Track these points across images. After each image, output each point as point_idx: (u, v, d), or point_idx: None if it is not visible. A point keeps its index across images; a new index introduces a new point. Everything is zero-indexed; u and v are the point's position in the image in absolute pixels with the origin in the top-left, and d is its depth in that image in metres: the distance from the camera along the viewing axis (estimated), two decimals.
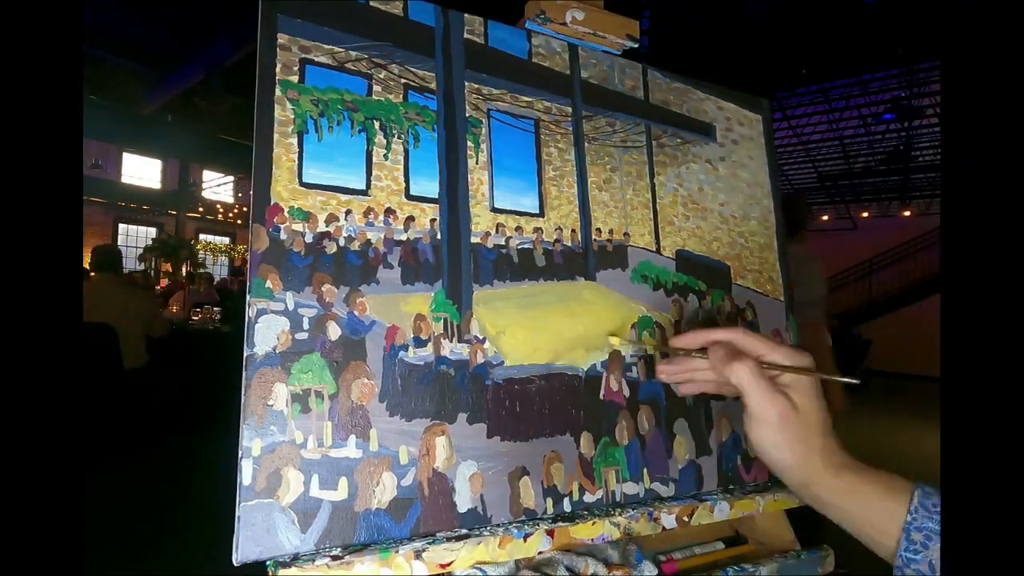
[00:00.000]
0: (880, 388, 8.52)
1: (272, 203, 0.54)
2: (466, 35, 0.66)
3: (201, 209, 15.12)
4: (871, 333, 9.82)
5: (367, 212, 0.59)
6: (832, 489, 0.46)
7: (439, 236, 0.61)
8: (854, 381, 0.48)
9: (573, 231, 0.70)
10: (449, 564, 0.53)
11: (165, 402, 3.82)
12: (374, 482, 0.53)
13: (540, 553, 0.59)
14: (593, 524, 0.61)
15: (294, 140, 0.56)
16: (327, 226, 0.56)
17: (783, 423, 0.47)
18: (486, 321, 0.62)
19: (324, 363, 0.53)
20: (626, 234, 0.74)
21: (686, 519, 0.66)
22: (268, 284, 0.52)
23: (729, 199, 0.84)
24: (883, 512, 0.43)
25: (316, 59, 0.58)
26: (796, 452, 0.47)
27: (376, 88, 0.61)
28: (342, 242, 0.57)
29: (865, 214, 12.24)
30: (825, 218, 12.37)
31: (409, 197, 0.61)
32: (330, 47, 0.59)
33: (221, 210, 15.47)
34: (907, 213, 11.66)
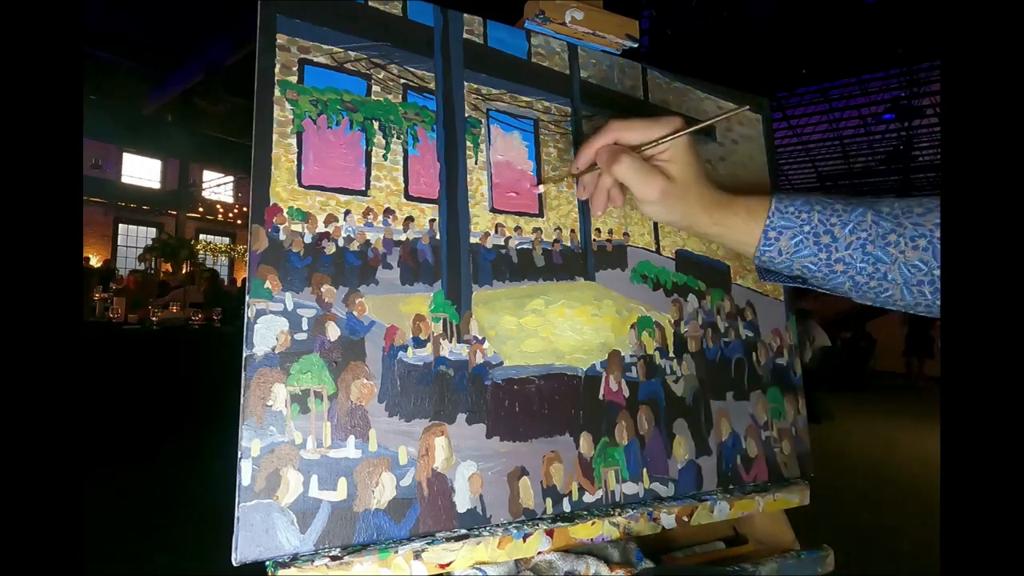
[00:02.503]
0: (880, 388, 8.52)
1: (271, 203, 0.54)
2: (465, 35, 0.66)
3: (201, 209, 15.14)
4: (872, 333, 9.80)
5: (366, 212, 0.59)
6: (709, 226, 0.56)
7: (438, 236, 0.61)
8: (745, 108, 0.57)
9: (572, 231, 0.70)
10: (448, 564, 0.53)
11: (165, 402, 3.82)
12: (373, 482, 0.53)
13: (539, 553, 0.59)
14: (592, 524, 0.61)
15: (293, 140, 0.56)
16: (326, 226, 0.56)
17: (664, 197, 0.55)
18: (485, 321, 0.62)
19: (323, 363, 0.53)
20: (626, 234, 0.74)
21: (686, 519, 0.66)
22: (267, 284, 0.52)
23: None
24: (749, 230, 0.54)
25: (315, 59, 0.58)
26: (679, 212, 0.56)
27: (375, 88, 0.61)
28: (341, 242, 0.57)
29: None
30: None
31: (408, 197, 0.61)
32: (329, 47, 0.59)
33: (221, 210, 15.48)
34: None
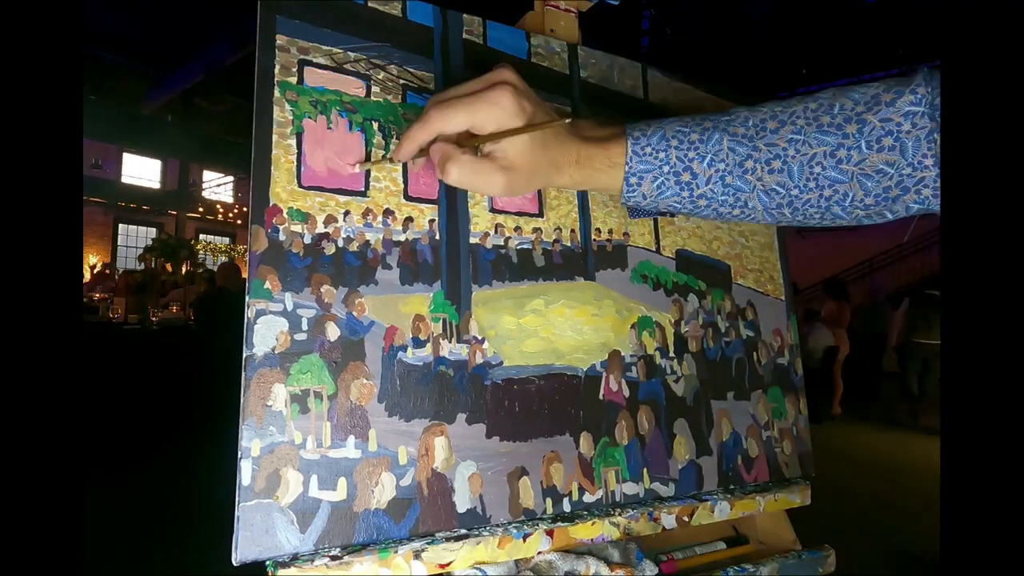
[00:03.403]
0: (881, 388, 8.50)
1: (271, 204, 0.54)
2: (465, 35, 0.66)
3: (201, 209, 15.14)
4: None
5: (366, 213, 0.59)
6: (570, 184, 0.55)
7: (438, 237, 0.61)
8: (565, 121, 0.51)
9: (572, 231, 0.70)
10: (448, 564, 0.53)
11: (164, 402, 3.82)
12: (373, 482, 0.53)
13: (539, 553, 0.59)
14: (593, 524, 0.61)
15: (293, 141, 0.56)
16: (326, 227, 0.56)
17: (510, 188, 0.52)
18: (485, 321, 0.62)
19: (323, 364, 0.53)
20: (626, 234, 0.74)
21: (686, 519, 0.66)
22: (267, 285, 0.52)
23: None
24: (611, 178, 0.53)
25: (315, 60, 0.58)
26: (533, 186, 0.55)
27: (375, 89, 0.61)
28: (341, 243, 0.57)
29: None
30: None
31: (407, 198, 0.61)
32: (329, 48, 0.59)
33: (221, 210, 15.48)
34: None
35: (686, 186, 0.52)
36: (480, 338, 0.61)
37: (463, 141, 0.51)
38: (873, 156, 0.48)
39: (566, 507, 0.61)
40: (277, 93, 0.56)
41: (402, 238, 0.60)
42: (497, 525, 0.57)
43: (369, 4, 0.61)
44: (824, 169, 0.49)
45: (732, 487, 0.73)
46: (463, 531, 0.56)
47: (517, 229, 0.66)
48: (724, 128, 0.51)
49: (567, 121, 0.50)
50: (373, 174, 0.60)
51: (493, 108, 0.49)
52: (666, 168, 0.51)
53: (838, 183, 0.49)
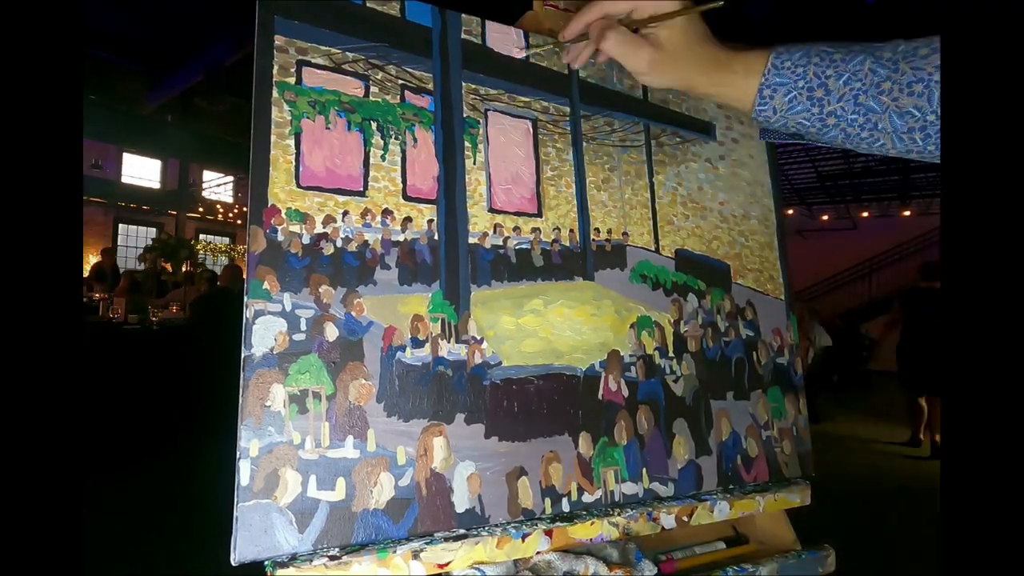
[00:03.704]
0: (881, 388, 8.50)
1: (269, 204, 0.54)
2: (463, 35, 0.66)
3: (201, 209, 15.13)
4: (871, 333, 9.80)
5: (364, 213, 0.59)
6: (707, 87, 0.56)
7: (436, 237, 0.61)
8: (718, 3, 0.55)
9: (571, 231, 0.70)
10: (447, 564, 0.53)
11: (164, 402, 3.82)
12: (372, 482, 0.53)
13: (538, 553, 0.59)
14: (592, 524, 0.61)
15: (291, 142, 0.56)
16: (324, 227, 0.56)
17: (654, 67, 0.56)
18: (484, 321, 0.62)
19: (321, 364, 0.53)
20: (625, 234, 0.74)
21: (685, 519, 0.66)
22: (265, 285, 0.52)
23: (729, 198, 0.84)
24: (746, 87, 0.54)
25: (313, 60, 0.58)
26: (674, 78, 0.57)
27: (373, 89, 0.61)
28: (339, 243, 0.57)
29: (865, 214, 12.21)
30: (825, 218, 12.35)
31: (406, 198, 0.61)
32: (327, 48, 0.59)
33: (221, 210, 15.48)
34: (907, 213, 11.64)
35: (818, 102, 0.52)
36: (479, 338, 0.61)
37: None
38: None
39: (565, 507, 0.61)
40: (275, 93, 0.56)
41: (401, 238, 0.60)
42: (496, 525, 0.57)
43: (367, 4, 0.61)
44: None
45: (732, 487, 0.73)
46: (462, 531, 0.56)
47: (516, 229, 0.66)
48: (872, 51, 0.51)
49: (720, 3, 0.53)
50: (372, 174, 0.60)
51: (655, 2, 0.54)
52: (801, 83, 0.52)
53: None
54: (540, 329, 0.65)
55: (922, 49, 0.49)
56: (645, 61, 0.55)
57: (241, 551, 0.47)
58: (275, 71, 0.56)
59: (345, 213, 0.58)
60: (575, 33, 0.60)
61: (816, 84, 0.51)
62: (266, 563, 0.49)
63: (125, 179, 14.16)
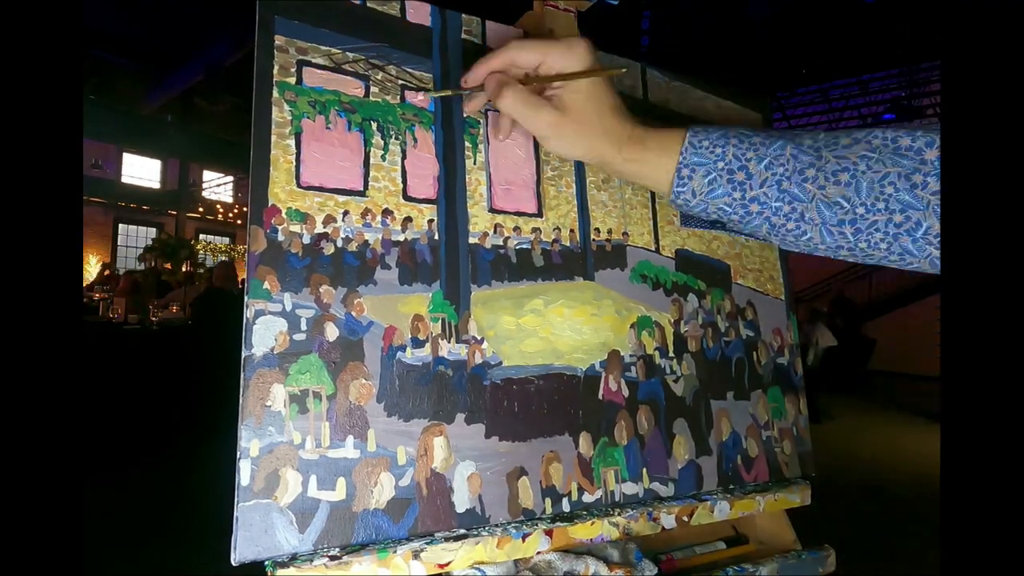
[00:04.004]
0: (882, 388, 8.51)
1: (269, 204, 0.54)
2: (464, 35, 0.66)
3: (201, 209, 15.14)
4: (872, 332, 9.79)
5: (365, 213, 0.59)
6: (621, 164, 0.53)
7: (437, 237, 0.61)
8: (621, 71, 0.52)
9: (571, 231, 0.70)
10: (447, 564, 0.53)
11: (164, 402, 3.82)
12: (372, 482, 0.53)
13: (539, 553, 0.59)
14: (592, 524, 0.61)
15: (291, 142, 0.56)
16: (325, 227, 0.56)
17: (555, 131, 0.52)
18: (484, 321, 0.62)
19: (322, 364, 0.53)
20: (625, 234, 0.74)
21: (686, 519, 0.66)
22: (266, 285, 0.52)
23: None
24: (663, 167, 0.51)
25: (313, 60, 0.58)
26: (582, 148, 0.53)
27: (373, 89, 0.61)
28: (340, 243, 0.57)
29: None
30: None
31: (406, 198, 0.61)
32: (327, 48, 0.59)
33: (221, 210, 15.49)
34: None
35: (739, 186, 0.48)
36: (479, 338, 0.61)
37: (526, 82, 0.53)
38: None
39: (565, 507, 0.61)
40: (276, 93, 0.56)
41: (401, 238, 0.60)
42: (496, 525, 0.57)
43: (368, 4, 0.61)
44: (897, 191, 0.44)
45: (732, 487, 0.73)
46: (462, 531, 0.56)
47: (516, 229, 0.66)
48: (792, 137, 0.48)
49: (623, 70, 0.51)
50: (372, 174, 0.60)
51: (567, 51, 0.51)
52: (720, 164, 0.49)
53: (911, 209, 0.44)
54: (540, 329, 0.65)
55: (843, 139, 0.47)
56: (545, 124, 0.51)
57: (241, 551, 0.47)
58: (275, 71, 0.56)
59: (345, 213, 0.58)
60: (477, 81, 0.55)
61: (736, 167, 0.48)
62: (266, 563, 0.49)
63: (125, 179, 14.17)
